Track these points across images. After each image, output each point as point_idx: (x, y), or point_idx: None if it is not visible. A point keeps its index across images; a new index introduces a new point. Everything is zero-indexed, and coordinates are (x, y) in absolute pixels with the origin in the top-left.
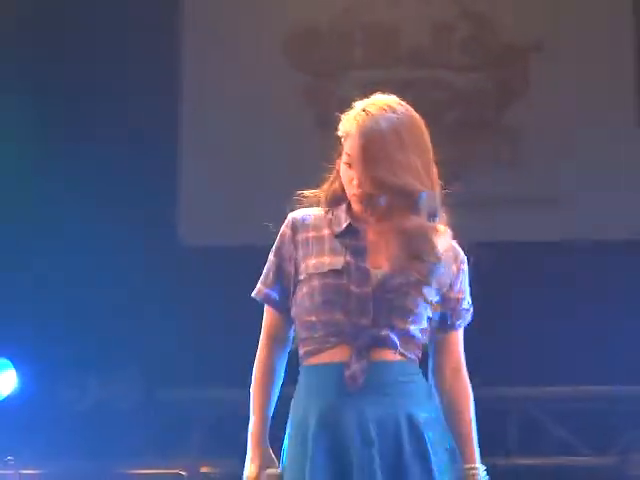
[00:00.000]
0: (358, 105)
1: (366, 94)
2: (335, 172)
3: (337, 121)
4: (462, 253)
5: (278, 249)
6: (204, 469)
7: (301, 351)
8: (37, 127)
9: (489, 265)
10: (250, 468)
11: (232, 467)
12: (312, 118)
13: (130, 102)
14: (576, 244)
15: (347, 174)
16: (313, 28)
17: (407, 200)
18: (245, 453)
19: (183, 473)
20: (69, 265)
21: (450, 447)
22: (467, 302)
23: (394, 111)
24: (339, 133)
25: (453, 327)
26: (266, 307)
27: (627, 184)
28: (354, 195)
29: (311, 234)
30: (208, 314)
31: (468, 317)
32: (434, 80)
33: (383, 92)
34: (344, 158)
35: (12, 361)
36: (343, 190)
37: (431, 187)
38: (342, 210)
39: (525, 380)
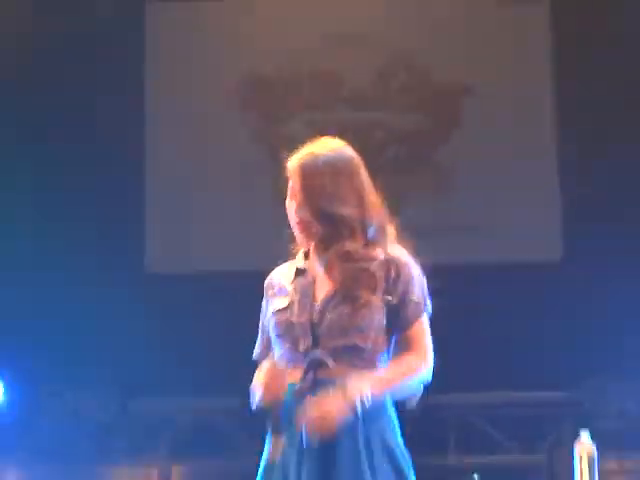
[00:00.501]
0: (303, 149)
1: (312, 134)
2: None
3: (285, 159)
4: (399, 257)
5: (261, 312)
6: (174, 468)
7: None
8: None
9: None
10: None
11: (200, 466)
12: (264, 154)
13: (98, 135)
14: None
15: (291, 207)
16: (263, 75)
17: (340, 227)
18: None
19: (155, 471)
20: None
21: (389, 450)
22: (414, 298)
23: (332, 150)
24: (287, 174)
25: (406, 327)
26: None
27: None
28: (296, 224)
29: (277, 288)
30: (174, 334)
31: (420, 316)
32: (374, 121)
33: (328, 134)
34: (288, 193)
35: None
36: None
37: (363, 214)
38: (299, 257)
39: (462, 388)
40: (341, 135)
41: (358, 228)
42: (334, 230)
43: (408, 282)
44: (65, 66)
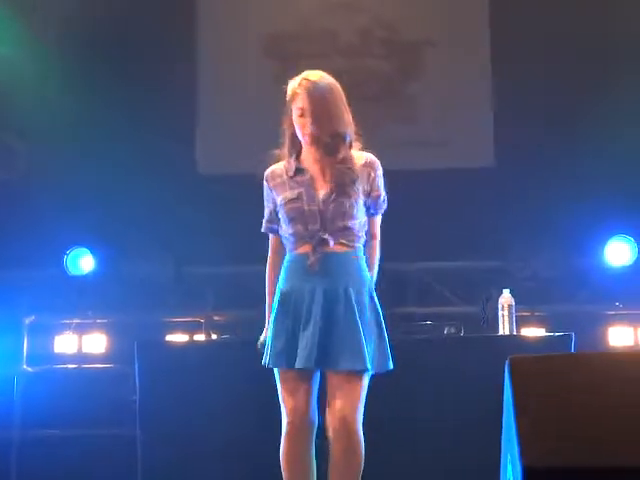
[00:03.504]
0: (296, 79)
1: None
2: (286, 130)
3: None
4: (375, 162)
5: (265, 197)
6: (216, 318)
7: (286, 248)
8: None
9: (398, 183)
10: (264, 334)
11: (235, 317)
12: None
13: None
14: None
15: (300, 122)
16: (279, 31)
17: (339, 140)
18: (240, 308)
19: (201, 320)
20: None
21: (371, 299)
22: (383, 196)
23: (323, 78)
24: (287, 97)
25: (375, 214)
26: (270, 235)
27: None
28: (306, 135)
29: (278, 180)
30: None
31: (384, 206)
32: (361, 66)
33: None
34: (297, 112)
35: (89, 247)
36: (292, 142)
37: (348, 128)
38: (292, 159)
39: (421, 258)
40: (337, 77)
41: (347, 140)
42: (334, 142)
43: (379, 182)
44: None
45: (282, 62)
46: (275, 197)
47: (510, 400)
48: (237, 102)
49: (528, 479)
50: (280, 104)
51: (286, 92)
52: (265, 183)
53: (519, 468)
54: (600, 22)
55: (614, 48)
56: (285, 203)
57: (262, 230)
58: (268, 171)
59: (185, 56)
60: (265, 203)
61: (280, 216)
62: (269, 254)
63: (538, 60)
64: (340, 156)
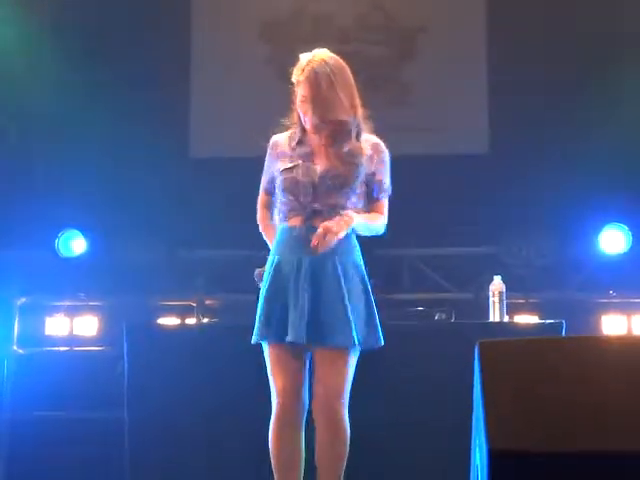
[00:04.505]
0: (304, 58)
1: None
2: (294, 104)
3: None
4: (379, 145)
5: (266, 160)
6: (208, 301)
7: (276, 218)
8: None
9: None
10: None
11: (227, 301)
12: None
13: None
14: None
15: (302, 107)
16: (276, 17)
17: (342, 128)
18: (233, 292)
19: (193, 304)
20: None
21: (360, 274)
22: (387, 182)
23: (327, 63)
24: (293, 79)
25: (378, 199)
26: (261, 192)
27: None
28: (308, 123)
29: (280, 149)
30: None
31: (389, 191)
32: (355, 51)
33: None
34: (300, 97)
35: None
36: (299, 116)
37: (355, 114)
38: (297, 131)
39: (416, 244)
40: None
41: (352, 127)
42: (337, 132)
43: (384, 168)
44: None
45: (276, 46)
46: (274, 164)
47: (478, 384)
48: (230, 86)
49: (493, 463)
50: (274, 88)
51: (291, 73)
52: (269, 150)
53: (485, 452)
54: (600, 9)
55: (614, 34)
56: (282, 172)
57: (260, 191)
58: (273, 139)
59: (179, 40)
60: (265, 168)
61: (276, 184)
62: (258, 208)
63: (534, 46)
64: (345, 148)
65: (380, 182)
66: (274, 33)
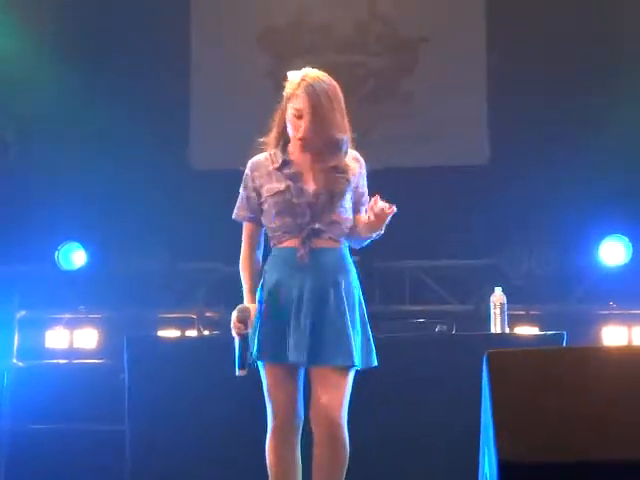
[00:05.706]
0: (296, 75)
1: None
2: (275, 122)
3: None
4: (362, 160)
5: (244, 186)
6: (208, 314)
7: (270, 242)
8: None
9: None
10: (245, 301)
11: (227, 314)
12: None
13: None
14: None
15: (295, 123)
16: (274, 26)
17: (333, 147)
18: (233, 305)
19: (194, 316)
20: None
21: (358, 296)
22: (366, 192)
23: (323, 81)
24: (284, 93)
25: (359, 210)
26: (245, 223)
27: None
28: (299, 139)
29: (262, 171)
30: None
31: (367, 201)
32: (356, 62)
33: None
34: (293, 112)
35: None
36: (281, 135)
37: (345, 132)
38: (278, 150)
39: (417, 256)
40: (331, 73)
41: (343, 147)
42: (328, 149)
43: (364, 180)
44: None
45: (276, 57)
46: (259, 188)
47: (487, 395)
48: (230, 98)
49: (503, 473)
50: (274, 100)
51: (283, 87)
52: (248, 172)
53: (495, 462)
54: (600, 19)
55: (613, 46)
56: (271, 195)
57: (233, 217)
58: (252, 161)
59: (179, 52)
60: (242, 192)
61: (264, 208)
62: (244, 243)
63: (535, 57)
64: (332, 163)
65: (362, 194)
66: (273, 44)
